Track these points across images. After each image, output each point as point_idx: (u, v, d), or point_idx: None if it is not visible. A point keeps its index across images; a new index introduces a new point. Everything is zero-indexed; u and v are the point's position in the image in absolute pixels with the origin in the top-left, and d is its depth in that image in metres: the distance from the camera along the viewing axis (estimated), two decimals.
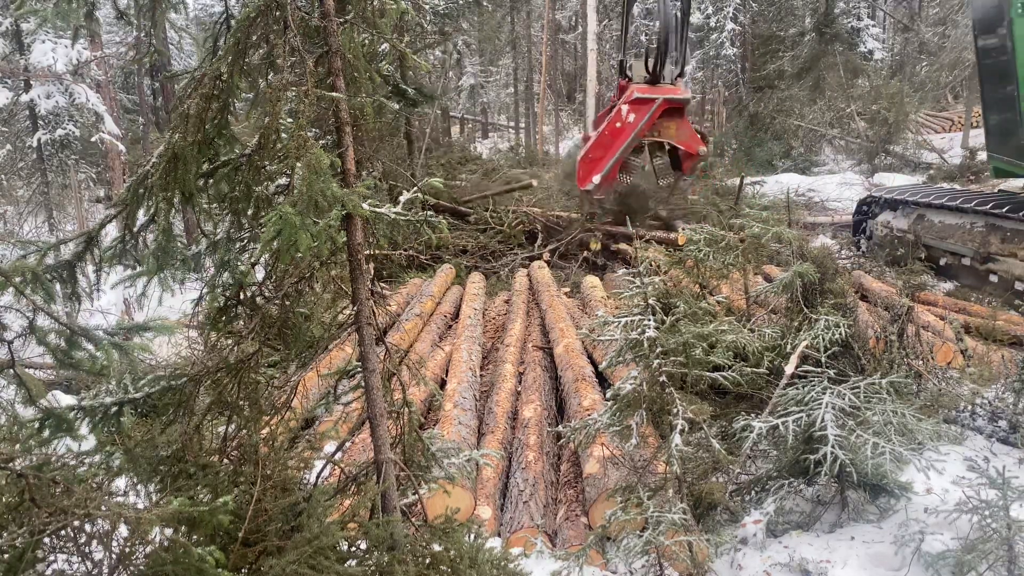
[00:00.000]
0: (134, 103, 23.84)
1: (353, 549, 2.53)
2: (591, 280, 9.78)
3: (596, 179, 10.60)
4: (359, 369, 2.74)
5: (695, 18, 26.46)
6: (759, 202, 8.60)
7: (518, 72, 28.55)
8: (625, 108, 10.60)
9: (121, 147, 14.01)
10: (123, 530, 1.89)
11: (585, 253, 11.60)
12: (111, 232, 2.49)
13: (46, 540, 1.84)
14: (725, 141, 21.44)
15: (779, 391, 4.39)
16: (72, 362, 2.35)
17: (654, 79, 10.87)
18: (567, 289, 10.15)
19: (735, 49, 23.33)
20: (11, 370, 2.33)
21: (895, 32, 29.48)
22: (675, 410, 3.71)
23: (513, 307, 8.72)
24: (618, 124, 10.63)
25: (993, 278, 8.37)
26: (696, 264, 6.26)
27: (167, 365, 6.73)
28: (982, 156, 15.28)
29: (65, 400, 4.47)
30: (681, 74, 11.61)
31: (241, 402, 2.60)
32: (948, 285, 9.08)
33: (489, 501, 4.52)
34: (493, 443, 5.19)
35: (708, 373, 4.00)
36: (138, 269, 2.51)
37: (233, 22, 2.52)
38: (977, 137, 19.64)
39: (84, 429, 2.40)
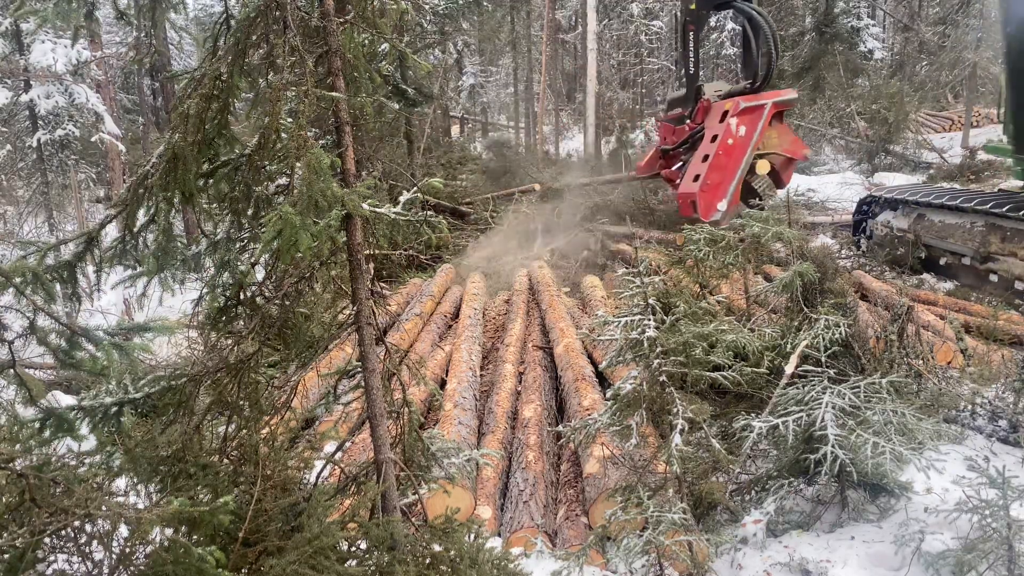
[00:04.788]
0: (134, 103, 23.82)
1: (353, 549, 2.53)
2: (591, 280, 9.78)
3: (722, 206, 9.29)
4: (359, 369, 2.74)
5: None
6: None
7: (518, 72, 28.51)
8: (734, 122, 9.29)
9: (121, 147, 14.02)
10: (123, 530, 1.89)
11: (585, 253, 11.61)
12: (111, 232, 2.49)
13: (46, 540, 1.84)
14: None
15: (779, 391, 4.39)
16: (72, 362, 2.35)
17: (755, 88, 9.80)
18: (567, 289, 10.15)
19: (735, 49, 23.32)
20: (12, 370, 2.33)
21: (895, 32, 29.46)
22: (675, 410, 3.71)
23: (513, 307, 8.72)
24: (730, 141, 9.32)
25: (993, 278, 8.36)
26: (696, 264, 6.26)
27: (167, 365, 6.73)
28: (982, 156, 15.27)
29: (65, 400, 4.48)
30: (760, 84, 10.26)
31: (241, 402, 2.61)
32: (948, 285, 9.08)
33: (489, 501, 4.52)
34: (493, 443, 5.19)
35: (708, 373, 3.99)
36: (138, 269, 2.51)
37: (233, 22, 2.52)
38: (977, 136, 19.66)
39: (84, 429, 2.40)
